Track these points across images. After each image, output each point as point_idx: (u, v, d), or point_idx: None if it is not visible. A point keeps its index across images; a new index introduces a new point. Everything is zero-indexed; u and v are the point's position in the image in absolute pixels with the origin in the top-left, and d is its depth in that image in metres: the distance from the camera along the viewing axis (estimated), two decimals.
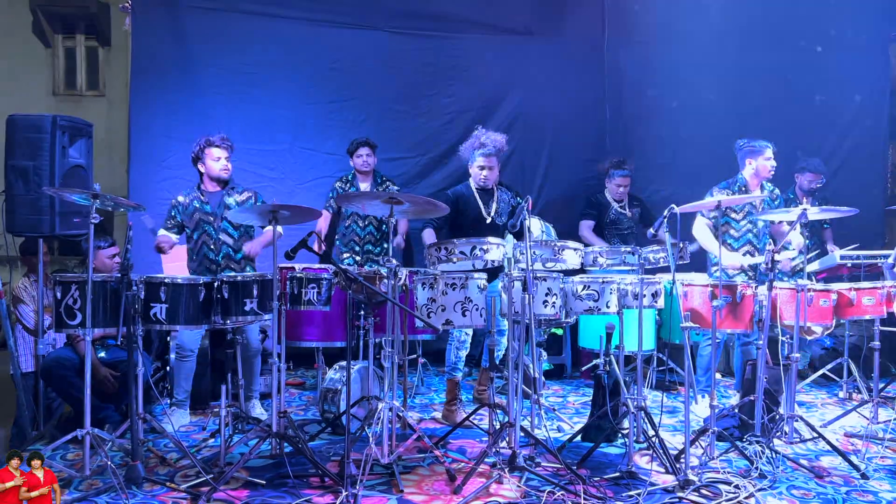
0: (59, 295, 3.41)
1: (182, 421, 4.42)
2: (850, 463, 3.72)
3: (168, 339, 4.74)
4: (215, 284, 3.65)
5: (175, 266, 5.05)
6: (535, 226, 5.78)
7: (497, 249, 3.69)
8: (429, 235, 4.58)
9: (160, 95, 5.82)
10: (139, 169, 5.81)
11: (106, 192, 3.47)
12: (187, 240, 4.62)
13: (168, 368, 4.67)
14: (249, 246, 4.58)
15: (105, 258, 4.32)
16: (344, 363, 4.45)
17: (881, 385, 4.67)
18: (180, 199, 4.59)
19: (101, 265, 4.27)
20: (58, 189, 3.90)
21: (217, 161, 4.53)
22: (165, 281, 3.55)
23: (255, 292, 3.64)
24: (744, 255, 4.89)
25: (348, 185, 5.50)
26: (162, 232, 4.56)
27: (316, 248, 4.54)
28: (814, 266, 5.75)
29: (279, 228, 4.56)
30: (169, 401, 4.51)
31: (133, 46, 5.91)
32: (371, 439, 3.43)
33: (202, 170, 4.59)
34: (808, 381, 5.55)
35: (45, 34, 10.63)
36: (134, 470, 3.31)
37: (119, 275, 3.38)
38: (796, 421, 4.08)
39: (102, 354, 4.27)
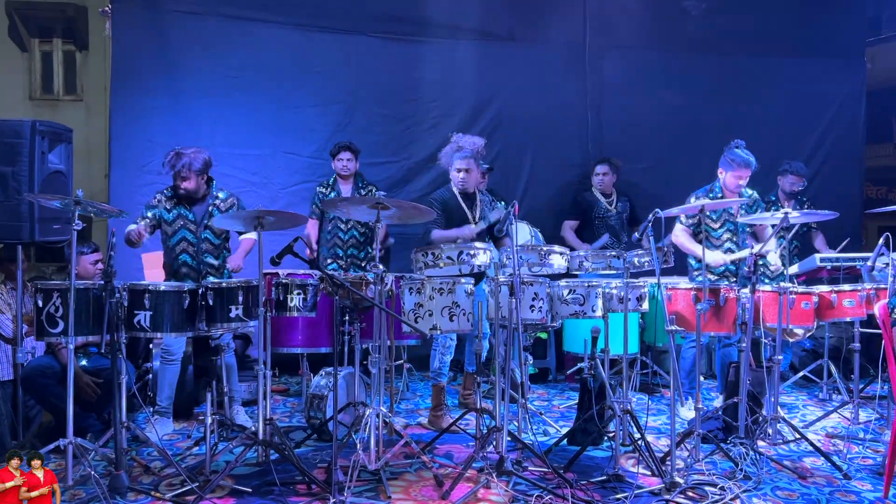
0: (40, 303, 3.35)
1: (166, 430, 4.35)
2: (833, 464, 3.77)
3: (150, 346, 4.68)
4: (200, 291, 3.62)
5: (157, 273, 4.97)
6: (524, 231, 5.79)
7: (484, 254, 3.70)
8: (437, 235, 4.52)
9: (141, 100, 5.76)
10: (120, 174, 5.74)
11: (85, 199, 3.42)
12: (164, 241, 4.47)
13: (151, 376, 4.61)
14: (231, 261, 4.50)
15: (88, 264, 4.26)
16: (330, 369, 4.42)
17: (861, 386, 4.74)
18: (163, 203, 4.41)
19: (83, 271, 4.21)
20: (39, 195, 3.84)
21: (185, 181, 4.33)
22: (149, 288, 3.51)
23: (240, 299, 3.61)
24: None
25: (329, 189, 5.46)
26: (133, 226, 4.32)
27: (307, 255, 4.48)
28: (793, 269, 5.81)
29: (253, 235, 4.51)
30: (152, 409, 4.45)
31: (113, 50, 5.84)
32: (358, 445, 3.42)
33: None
34: (788, 382, 5.61)
35: (22, 38, 10.47)
36: (118, 479, 3.27)
37: (102, 282, 3.34)
38: (779, 422, 4.13)
39: (84, 363, 4.20)
